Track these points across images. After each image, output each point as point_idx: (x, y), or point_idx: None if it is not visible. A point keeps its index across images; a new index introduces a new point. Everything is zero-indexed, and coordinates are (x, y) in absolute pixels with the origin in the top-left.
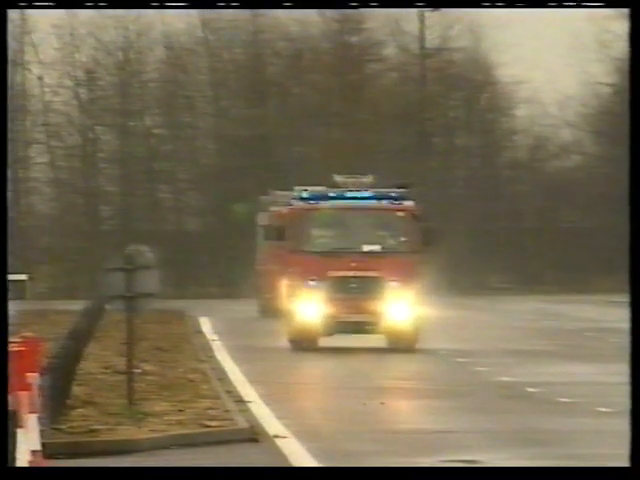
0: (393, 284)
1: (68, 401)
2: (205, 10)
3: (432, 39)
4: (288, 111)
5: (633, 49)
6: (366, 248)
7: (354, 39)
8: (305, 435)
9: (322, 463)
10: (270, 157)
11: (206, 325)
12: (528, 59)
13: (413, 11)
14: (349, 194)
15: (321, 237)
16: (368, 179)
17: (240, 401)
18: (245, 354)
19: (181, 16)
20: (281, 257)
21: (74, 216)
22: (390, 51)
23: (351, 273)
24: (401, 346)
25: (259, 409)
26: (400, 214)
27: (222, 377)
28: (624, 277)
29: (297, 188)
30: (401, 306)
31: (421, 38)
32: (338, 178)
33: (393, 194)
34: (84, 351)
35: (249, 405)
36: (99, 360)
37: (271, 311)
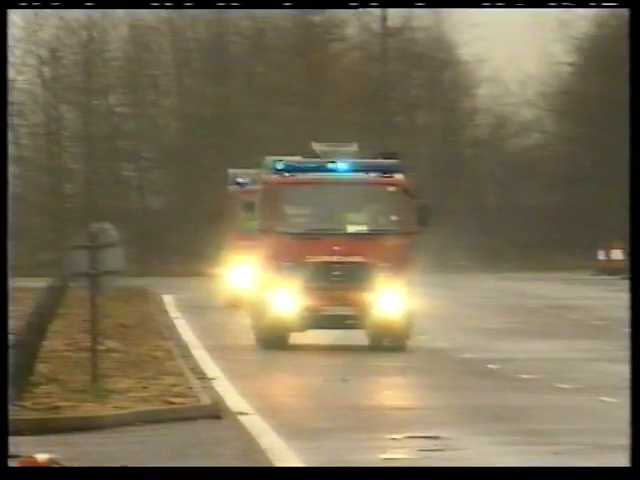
0: (382, 271)
1: (32, 378)
2: None
3: (394, 18)
4: (251, 90)
5: (633, 49)
6: (351, 229)
7: (317, 18)
8: (268, 412)
9: (284, 439)
10: (233, 135)
11: (170, 303)
12: (489, 38)
13: None
14: (330, 165)
15: (298, 216)
16: (352, 148)
17: (204, 378)
18: (209, 332)
19: None
20: (250, 239)
21: (38, 194)
22: (352, 30)
23: (333, 258)
24: (390, 343)
25: (222, 386)
26: (391, 189)
27: (186, 354)
28: (583, 254)
29: (269, 158)
30: (392, 297)
31: (383, 17)
32: (317, 147)
33: (382, 165)
34: (48, 328)
35: (212, 382)
36: (63, 337)
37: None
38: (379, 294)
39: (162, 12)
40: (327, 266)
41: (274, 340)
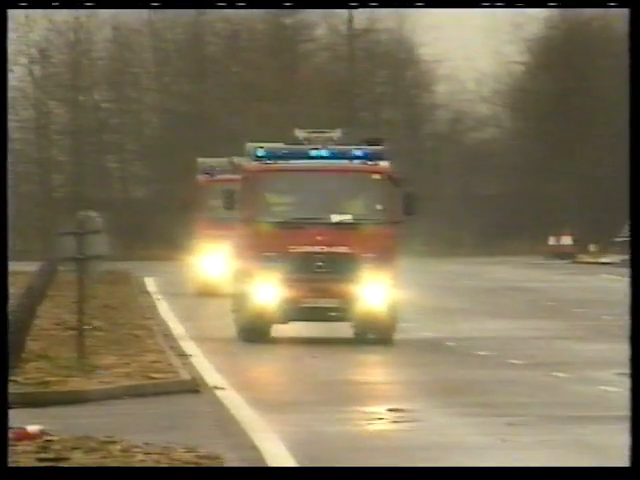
0: (367, 262)
1: (23, 355)
2: None
3: (360, 21)
4: (226, 87)
5: (633, 49)
6: (335, 218)
7: (288, 21)
8: (243, 386)
9: (257, 411)
10: (210, 130)
11: (151, 285)
12: (447, 39)
13: None
14: (313, 152)
15: (280, 204)
16: (336, 134)
17: (183, 355)
18: (188, 312)
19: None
20: (220, 227)
21: (28, 184)
22: (321, 32)
23: (317, 248)
24: (375, 336)
25: (200, 363)
26: (376, 177)
27: (166, 333)
28: (535, 240)
29: (251, 145)
30: (377, 289)
31: (350, 19)
32: (300, 133)
33: (367, 152)
34: (38, 309)
35: (191, 359)
36: (52, 317)
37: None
38: (364, 286)
39: (144, 15)
40: (310, 256)
41: (255, 332)
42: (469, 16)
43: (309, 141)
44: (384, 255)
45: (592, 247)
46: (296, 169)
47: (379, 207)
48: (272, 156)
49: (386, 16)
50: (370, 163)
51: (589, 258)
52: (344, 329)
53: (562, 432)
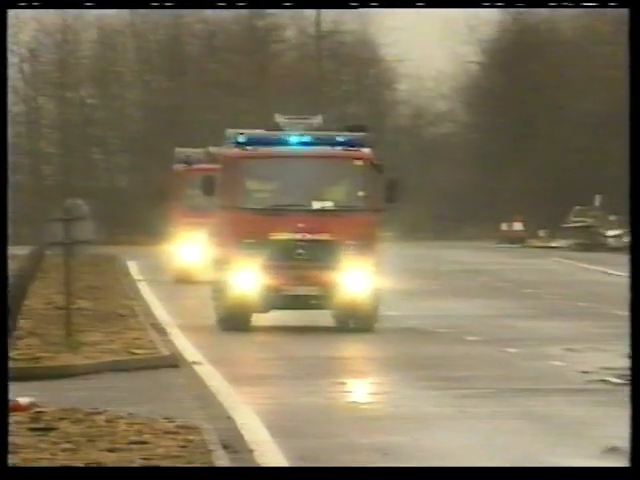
0: (349, 249)
1: (15, 332)
2: None
3: (326, 23)
4: (203, 84)
5: (633, 49)
6: (316, 205)
7: (260, 23)
8: (219, 361)
9: (232, 384)
10: (188, 123)
11: (133, 268)
12: (408, 40)
13: None
14: (294, 138)
15: (260, 191)
16: (317, 120)
17: (163, 333)
18: (168, 293)
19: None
20: (196, 215)
21: (20, 174)
22: (291, 33)
23: (298, 236)
24: (357, 324)
25: (179, 340)
26: (358, 163)
27: (147, 312)
28: (488, 226)
29: (231, 131)
30: (359, 276)
31: (317, 22)
32: (280, 119)
33: (348, 139)
34: (29, 289)
35: (170, 336)
36: (42, 297)
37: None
38: (345, 273)
39: (126, 17)
40: (291, 244)
41: (235, 321)
42: (428, 18)
43: (290, 127)
44: (366, 242)
45: (541, 232)
46: (277, 155)
47: (361, 194)
48: (252, 142)
49: (351, 18)
50: (352, 149)
51: (538, 242)
52: (325, 318)
53: (514, 404)
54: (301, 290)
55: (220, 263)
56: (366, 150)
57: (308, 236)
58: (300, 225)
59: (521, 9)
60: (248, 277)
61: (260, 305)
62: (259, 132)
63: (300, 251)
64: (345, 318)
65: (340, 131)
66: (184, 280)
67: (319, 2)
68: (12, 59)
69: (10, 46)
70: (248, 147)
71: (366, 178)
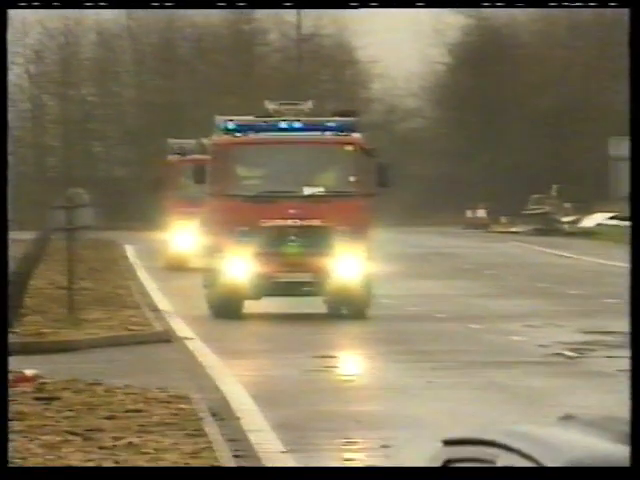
0: (341, 235)
1: (22, 310)
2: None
3: (307, 27)
4: (194, 83)
5: (633, 49)
6: (307, 191)
7: (246, 27)
8: (208, 337)
9: (219, 357)
10: (179, 119)
11: (130, 251)
12: (381, 43)
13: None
14: (284, 124)
15: (251, 178)
16: (307, 105)
17: (157, 311)
18: (162, 274)
19: (108, 10)
20: (190, 205)
21: (25, 165)
22: (274, 37)
23: (289, 222)
24: (349, 311)
25: (172, 317)
26: (348, 148)
27: (143, 292)
28: (454, 213)
29: (220, 118)
30: (351, 262)
31: (298, 27)
32: (270, 105)
33: (338, 124)
34: (34, 272)
35: (164, 314)
36: (46, 278)
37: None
38: (337, 259)
39: (123, 21)
40: (283, 230)
41: (227, 308)
42: (399, 23)
43: (279, 113)
44: (357, 227)
45: (503, 219)
46: (267, 141)
47: (352, 179)
48: (242, 129)
49: (329, 23)
50: (342, 135)
51: (500, 228)
52: (317, 304)
53: (478, 375)
54: (293, 277)
55: (212, 250)
56: (356, 135)
57: (299, 222)
58: (291, 211)
59: (484, 15)
60: (240, 264)
61: (252, 292)
62: (249, 118)
63: (292, 237)
64: (337, 304)
65: (330, 116)
66: (177, 267)
67: (319, 2)
68: (18, 60)
69: (17, 48)
70: (238, 134)
71: (357, 163)
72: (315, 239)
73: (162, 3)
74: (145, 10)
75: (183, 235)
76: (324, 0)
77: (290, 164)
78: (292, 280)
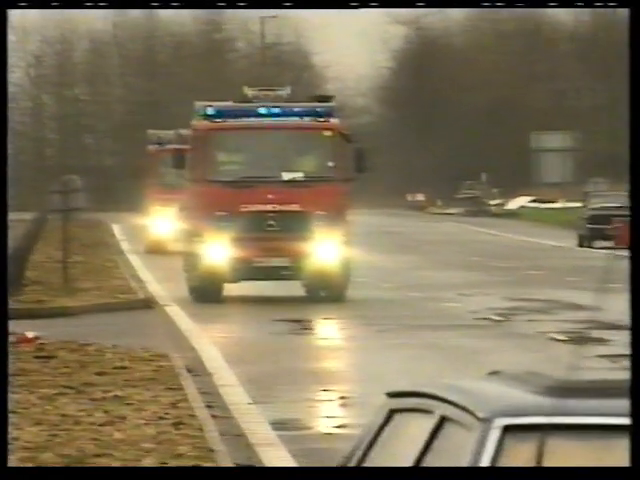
0: (319, 220)
1: (23, 281)
2: (116, 15)
3: (270, 36)
4: (172, 84)
5: (633, 49)
6: (286, 176)
7: (217, 36)
8: (184, 304)
9: (194, 320)
10: (160, 115)
11: (117, 230)
12: (334, 49)
13: (258, 16)
14: (263, 110)
15: (230, 163)
16: (285, 91)
17: (140, 281)
18: (145, 249)
19: (98, 19)
20: (169, 192)
21: (26, 155)
22: (241, 44)
23: (268, 207)
24: (327, 294)
25: (153, 287)
26: (327, 133)
27: (128, 265)
28: (397, 197)
29: (199, 103)
30: (329, 247)
31: (262, 36)
32: (249, 91)
33: (317, 109)
34: (34, 247)
35: (146, 284)
36: (44, 253)
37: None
38: (316, 244)
39: (111, 30)
40: (261, 215)
41: (207, 292)
42: (350, 32)
43: (258, 99)
44: (335, 212)
45: (439, 202)
46: (246, 127)
47: (330, 164)
48: (222, 114)
49: (289, 32)
50: (321, 120)
51: (437, 210)
52: (295, 287)
53: (417, 337)
54: (272, 261)
55: (191, 235)
56: (334, 120)
57: (278, 207)
58: (270, 196)
59: (422, 26)
60: (219, 249)
61: (231, 276)
62: (228, 104)
63: (271, 222)
64: (316, 288)
65: (307, 102)
66: (157, 251)
67: (319, 2)
68: (20, 64)
69: (18, 54)
70: (217, 119)
71: (335, 148)
72: (294, 224)
73: (162, 3)
74: (130, 21)
75: (162, 221)
76: (324, 0)
77: (269, 149)
78: (271, 265)
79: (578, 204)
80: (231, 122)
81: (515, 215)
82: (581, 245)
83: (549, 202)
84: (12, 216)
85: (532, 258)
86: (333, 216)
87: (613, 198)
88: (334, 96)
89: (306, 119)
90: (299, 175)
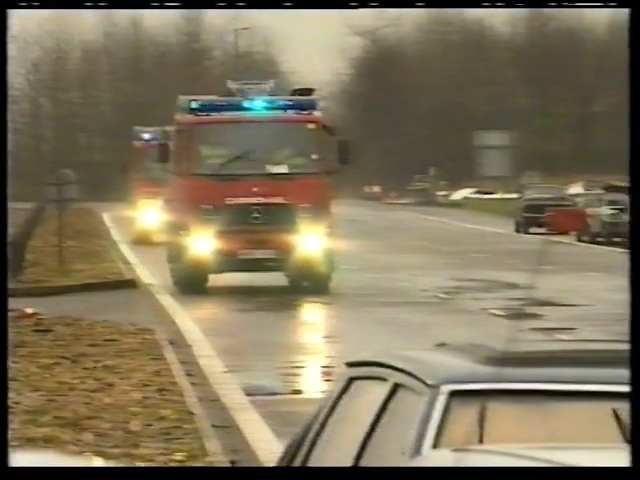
0: (304, 212)
1: (23, 263)
2: (106, 26)
3: (242, 47)
4: (155, 89)
5: (633, 49)
6: (271, 169)
7: (196, 45)
8: (166, 283)
9: (174, 298)
10: (144, 115)
11: (106, 218)
12: (299, 58)
13: (232, 28)
14: (247, 103)
15: (214, 156)
16: (268, 85)
17: (127, 263)
18: (131, 235)
19: (90, 31)
20: (154, 185)
21: (26, 151)
22: (217, 53)
23: (253, 200)
24: (311, 286)
25: (139, 268)
26: (310, 126)
27: (116, 249)
28: (355, 188)
29: (183, 97)
30: (313, 238)
31: (236, 46)
32: (232, 85)
33: (300, 102)
34: (33, 233)
35: (133, 266)
36: (42, 238)
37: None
38: (300, 235)
39: (100, 40)
40: (247, 208)
41: (192, 284)
42: (314, 42)
43: (241, 92)
44: (320, 204)
45: (393, 193)
46: (231, 120)
47: (314, 157)
48: (206, 108)
49: (259, 42)
50: (304, 113)
51: (390, 200)
52: (278, 277)
53: (373, 312)
54: (257, 253)
55: (177, 228)
56: (318, 113)
57: (263, 200)
58: (255, 189)
59: (377, 37)
60: (205, 242)
61: (216, 269)
62: (212, 98)
63: (255, 215)
64: (299, 279)
65: (289, 95)
66: (144, 242)
67: (319, 2)
68: (20, 71)
69: (20, 62)
70: (201, 113)
71: (319, 141)
72: (279, 216)
73: (162, 3)
74: (118, 32)
75: (148, 213)
76: (324, 0)
77: (254, 142)
78: (256, 257)
79: (515, 195)
80: (215, 116)
81: (459, 205)
82: (518, 231)
83: (489, 193)
84: (13, 205)
85: (474, 243)
86: (317, 208)
87: (545, 190)
88: (315, 89)
89: (290, 112)
90: (283, 168)
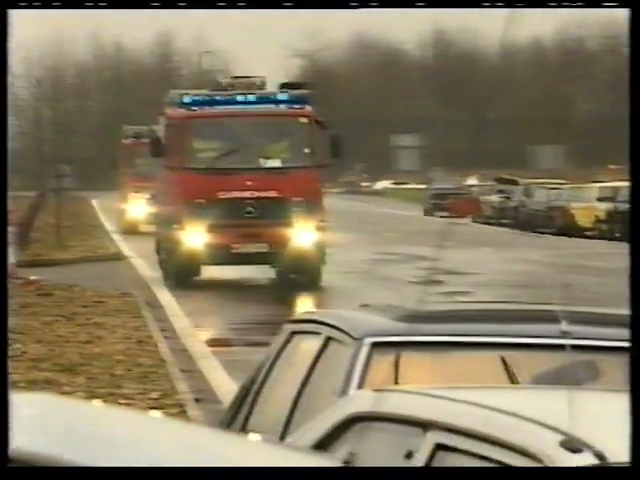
0: (296, 206)
1: (28, 240)
2: (94, 48)
3: (206, 65)
4: (134, 100)
5: (633, 49)
6: (263, 163)
7: (168, 65)
8: (146, 256)
9: (154, 271)
10: (125, 121)
11: (96, 204)
12: (251, 74)
13: (197, 52)
14: (239, 98)
15: (207, 151)
16: (260, 79)
17: (113, 240)
18: (117, 218)
19: (81, 54)
20: (143, 180)
21: (28, 150)
22: (185, 71)
23: (247, 194)
24: (303, 279)
25: (123, 244)
26: (302, 120)
27: (105, 230)
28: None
29: (175, 92)
30: (307, 233)
31: (200, 65)
32: (224, 79)
33: (292, 96)
34: (36, 216)
35: (117, 243)
36: (42, 220)
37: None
38: (293, 229)
39: (91, 60)
40: (240, 202)
41: (184, 277)
42: (263, 62)
43: (232, 87)
44: (312, 198)
45: (326, 184)
46: (223, 115)
47: (306, 150)
48: (198, 102)
49: (220, 62)
50: (296, 107)
51: (325, 190)
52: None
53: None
54: (250, 247)
55: (169, 222)
56: (309, 107)
57: (256, 194)
58: (248, 183)
59: (316, 58)
60: (198, 236)
61: (209, 262)
62: (204, 92)
63: (249, 209)
64: (290, 272)
65: (280, 89)
66: (131, 231)
67: (319, 2)
68: (25, 85)
69: (24, 78)
70: (194, 107)
71: (311, 134)
72: (272, 210)
73: (162, 3)
74: (104, 54)
75: (136, 205)
76: (324, 0)
77: (246, 137)
78: (249, 250)
79: (424, 186)
80: (208, 110)
81: (380, 193)
82: (426, 215)
83: (404, 184)
84: (20, 194)
85: (392, 224)
86: (310, 202)
87: (448, 182)
88: (306, 83)
89: (282, 106)
90: (277, 162)
